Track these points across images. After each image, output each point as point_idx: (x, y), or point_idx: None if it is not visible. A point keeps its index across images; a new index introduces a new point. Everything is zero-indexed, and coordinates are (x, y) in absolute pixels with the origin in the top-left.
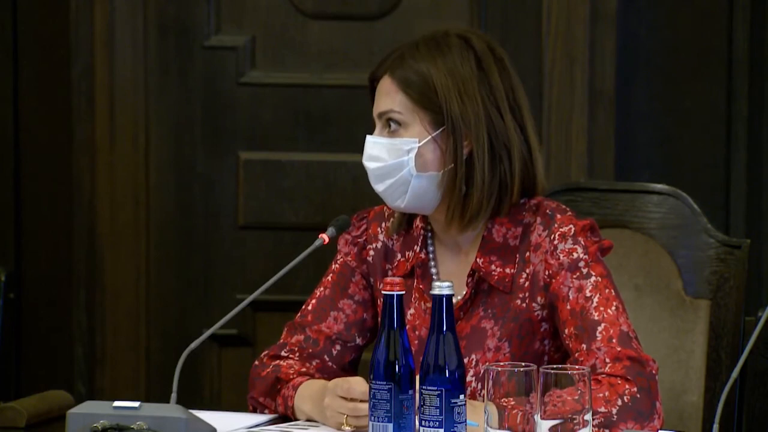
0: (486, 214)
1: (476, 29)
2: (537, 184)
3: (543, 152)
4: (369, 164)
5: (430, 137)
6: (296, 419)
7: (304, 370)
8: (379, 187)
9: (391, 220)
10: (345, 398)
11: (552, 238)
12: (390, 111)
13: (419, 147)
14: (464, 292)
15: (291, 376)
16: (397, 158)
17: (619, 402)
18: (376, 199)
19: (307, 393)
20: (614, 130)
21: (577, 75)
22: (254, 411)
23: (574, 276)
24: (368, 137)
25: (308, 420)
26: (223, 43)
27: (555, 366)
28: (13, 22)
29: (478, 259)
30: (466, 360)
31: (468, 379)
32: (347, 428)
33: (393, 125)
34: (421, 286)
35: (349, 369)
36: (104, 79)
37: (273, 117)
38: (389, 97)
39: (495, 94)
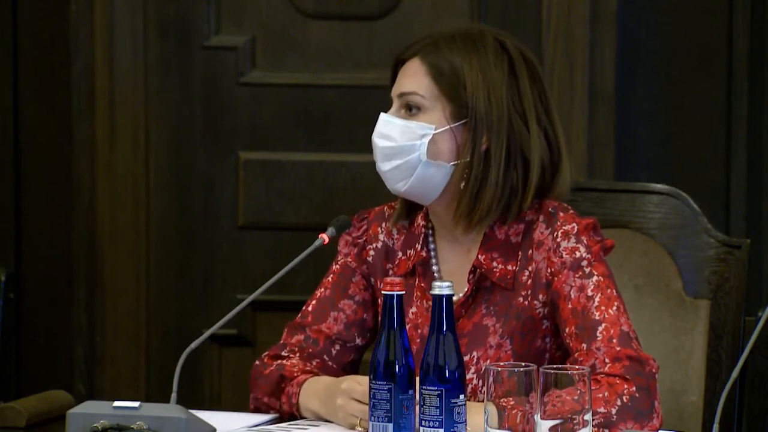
0: (494, 216)
1: (508, 34)
2: (555, 190)
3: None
4: (379, 141)
5: (448, 127)
6: (301, 417)
7: (308, 368)
8: (384, 167)
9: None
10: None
11: (555, 235)
12: (413, 93)
13: (434, 134)
14: (466, 289)
15: (295, 374)
16: (409, 141)
17: (619, 402)
18: (375, 199)
19: (312, 390)
20: (614, 130)
21: (577, 75)
22: (257, 411)
23: (577, 275)
24: (382, 114)
25: (317, 418)
26: (223, 43)
27: (555, 366)
28: (13, 22)
29: (479, 256)
30: (467, 357)
31: (469, 376)
32: (360, 429)
33: (412, 108)
34: (422, 285)
35: (350, 369)
36: (104, 79)
37: (273, 117)
38: (416, 79)
39: (523, 101)
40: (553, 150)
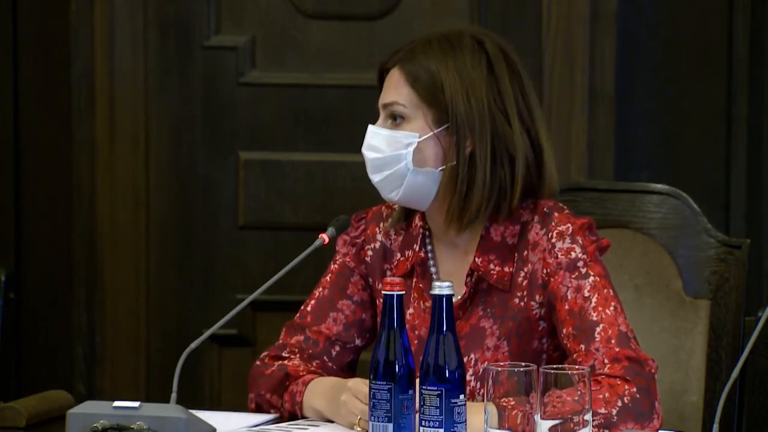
0: (484, 217)
1: (489, 31)
2: (544, 188)
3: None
4: (368, 154)
5: (431, 134)
6: (303, 416)
7: (312, 368)
8: (375, 178)
9: (391, 215)
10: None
11: (550, 236)
12: (394, 103)
13: (419, 142)
14: (463, 292)
15: (300, 373)
16: (395, 151)
17: (619, 403)
18: (375, 199)
19: (319, 389)
20: (614, 130)
21: (577, 75)
22: (257, 409)
23: (573, 276)
24: (370, 126)
25: (320, 417)
26: (223, 43)
27: (555, 366)
28: (13, 22)
29: (476, 259)
30: (465, 359)
31: (467, 378)
32: (359, 429)
33: (397, 118)
34: (420, 285)
35: (348, 370)
36: (104, 79)
37: (273, 117)
38: (396, 90)
39: (504, 99)
40: (536, 146)
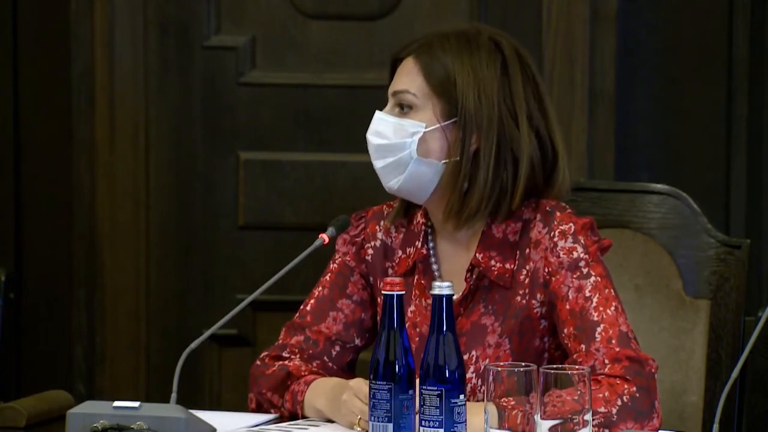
0: (483, 215)
1: (506, 33)
2: (554, 190)
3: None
4: (372, 139)
5: (438, 126)
6: (303, 415)
7: (314, 369)
8: (377, 164)
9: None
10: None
11: (552, 235)
12: (405, 91)
13: (425, 132)
14: (464, 288)
15: (303, 373)
16: (400, 138)
17: (619, 402)
18: (375, 200)
19: (321, 389)
20: (614, 130)
21: (577, 75)
22: (257, 408)
23: (574, 276)
24: (377, 113)
25: (320, 417)
26: (223, 43)
27: (555, 366)
28: (13, 22)
29: (477, 255)
30: (466, 356)
31: (468, 375)
32: (359, 429)
33: (405, 106)
34: (422, 282)
35: (348, 370)
36: (104, 79)
37: (273, 117)
38: (408, 78)
39: (514, 101)
40: (547, 150)
